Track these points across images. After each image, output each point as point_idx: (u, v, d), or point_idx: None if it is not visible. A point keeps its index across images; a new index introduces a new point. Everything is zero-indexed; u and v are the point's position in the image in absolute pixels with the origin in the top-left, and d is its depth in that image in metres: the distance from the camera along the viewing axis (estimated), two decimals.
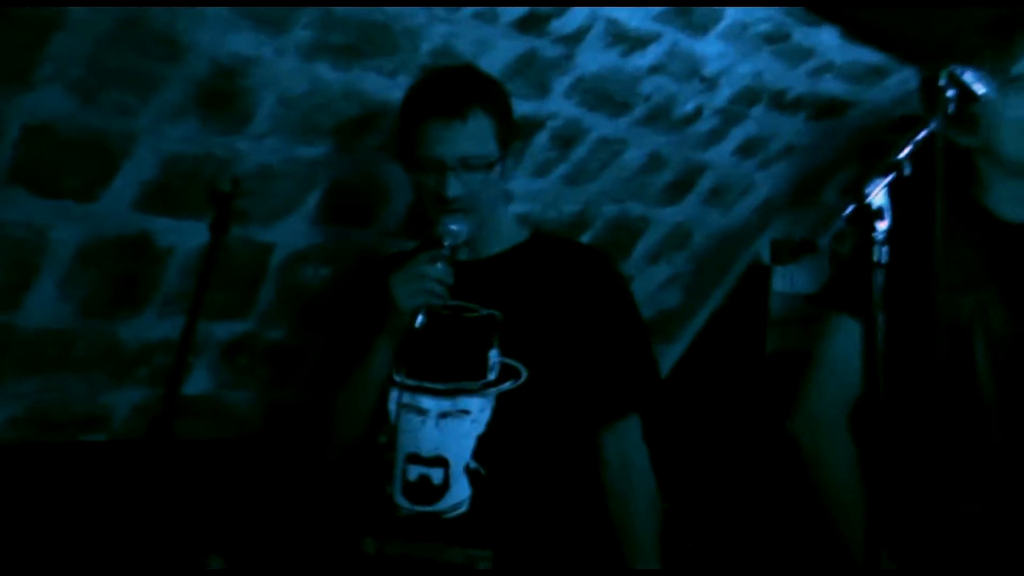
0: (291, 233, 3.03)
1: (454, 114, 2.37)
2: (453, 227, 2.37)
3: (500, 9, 2.85)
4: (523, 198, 3.49)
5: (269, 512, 3.26)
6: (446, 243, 2.37)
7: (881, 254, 1.82)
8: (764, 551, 4.09)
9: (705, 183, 3.96)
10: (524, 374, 2.38)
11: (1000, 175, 2.34)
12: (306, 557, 3.19)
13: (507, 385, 2.38)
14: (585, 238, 3.78)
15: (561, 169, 3.52)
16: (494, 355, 2.40)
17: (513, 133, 2.50)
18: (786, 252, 4.49)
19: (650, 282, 4.19)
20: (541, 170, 3.47)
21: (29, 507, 2.81)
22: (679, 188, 3.91)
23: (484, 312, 2.43)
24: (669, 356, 4.55)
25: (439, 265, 2.35)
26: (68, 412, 2.89)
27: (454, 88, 2.44)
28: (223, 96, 2.63)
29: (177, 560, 3.01)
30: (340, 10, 2.63)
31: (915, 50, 3.66)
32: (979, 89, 1.99)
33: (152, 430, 2.40)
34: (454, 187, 2.37)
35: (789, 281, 4.56)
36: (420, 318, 2.32)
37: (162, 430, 2.44)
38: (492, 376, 2.39)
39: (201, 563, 3.07)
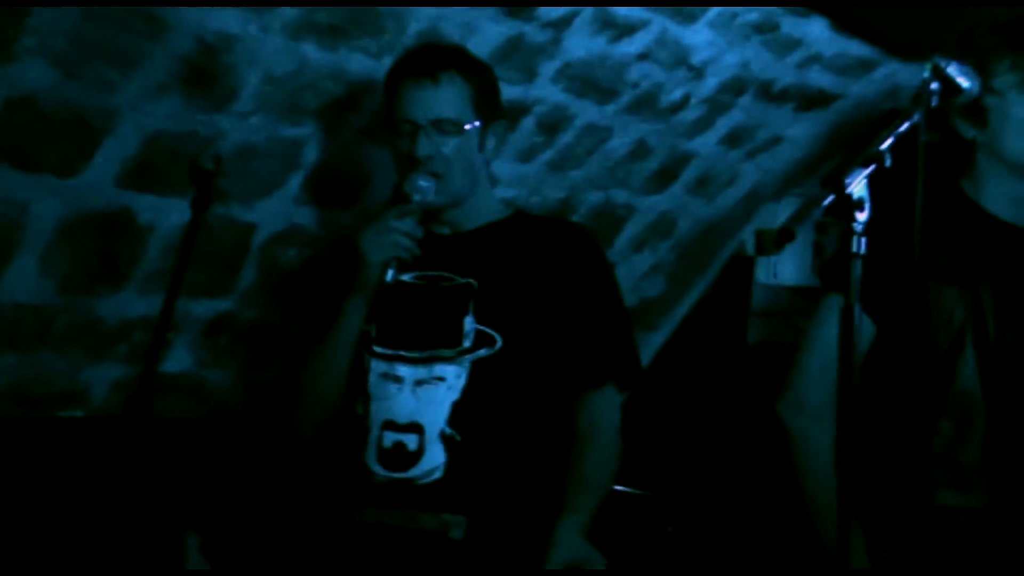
0: (273, 213, 3.02)
1: (427, 75, 2.40)
2: (422, 183, 2.38)
3: None
4: (508, 183, 3.49)
5: (246, 490, 3.25)
6: (415, 199, 2.37)
7: (860, 245, 1.82)
8: (744, 537, 4.11)
9: (690, 172, 3.96)
10: (499, 341, 2.39)
11: (998, 173, 2.33)
12: (284, 528, 3.19)
13: (482, 352, 2.39)
14: None
15: (546, 155, 3.51)
16: (469, 322, 2.41)
17: (493, 106, 2.51)
18: (769, 243, 4.49)
19: (633, 270, 4.19)
20: (526, 155, 3.46)
21: (6, 481, 2.79)
22: (664, 177, 3.90)
23: (460, 281, 2.43)
24: (651, 345, 4.56)
25: (407, 220, 2.36)
26: (46, 388, 2.87)
27: (431, 53, 2.48)
28: (207, 74, 2.61)
29: (153, 536, 3.00)
30: None
31: (903, 44, 3.67)
32: (963, 83, 2.00)
33: (130, 407, 2.39)
34: (424, 146, 2.38)
35: (772, 273, 4.58)
36: (390, 272, 2.34)
37: (140, 407, 2.42)
38: (467, 343, 2.39)
39: (178, 539, 3.07)
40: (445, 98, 2.40)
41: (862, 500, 1.97)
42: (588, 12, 3.06)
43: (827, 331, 2.34)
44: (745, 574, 4.06)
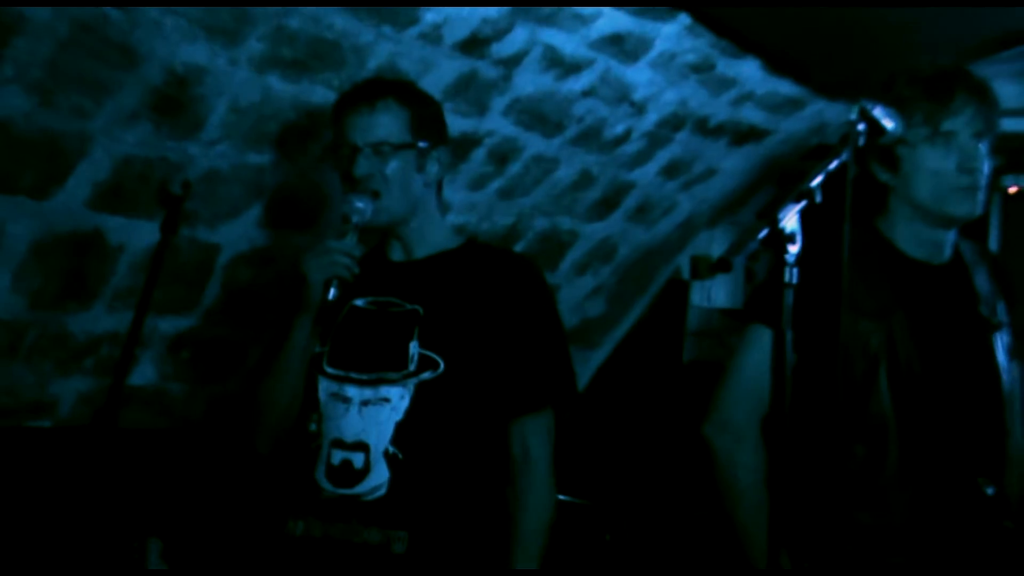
0: (237, 235, 3.02)
1: (365, 102, 2.41)
2: (359, 204, 2.37)
3: (444, 31, 2.87)
4: (460, 210, 3.51)
5: (205, 499, 3.24)
6: (353, 219, 2.36)
7: (792, 275, 1.85)
8: (677, 544, 4.12)
9: (631, 201, 3.99)
10: (442, 365, 2.37)
11: (907, 215, 2.38)
12: (237, 539, 3.18)
13: (425, 375, 2.37)
14: (517, 249, 3.79)
15: (496, 183, 3.53)
16: (414, 347, 2.39)
17: (434, 132, 2.49)
18: (704, 268, 4.54)
19: (576, 292, 4.21)
20: (477, 184, 3.48)
21: None
22: (606, 205, 3.93)
23: (408, 307, 2.43)
24: (592, 362, 4.58)
25: (345, 240, 2.35)
26: (15, 399, 2.85)
27: (372, 84, 2.49)
28: (176, 103, 2.62)
29: (117, 541, 2.99)
30: (292, 24, 2.63)
31: (829, 84, 3.73)
32: (888, 125, 2.02)
33: (97, 418, 2.38)
34: (361, 167, 2.38)
35: (706, 296, 4.61)
36: (332, 291, 2.32)
37: (106, 419, 2.42)
38: (412, 367, 2.38)
39: (140, 544, 3.05)
40: (380, 122, 2.39)
41: (787, 516, 2.00)
42: (538, 51, 3.09)
43: (750, 358, 2.38)
44: None
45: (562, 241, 3.96)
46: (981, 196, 2.32)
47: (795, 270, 1.85)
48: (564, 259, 4.03)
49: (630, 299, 4.53)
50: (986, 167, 2.31)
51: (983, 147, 2.31)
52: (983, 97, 2.31)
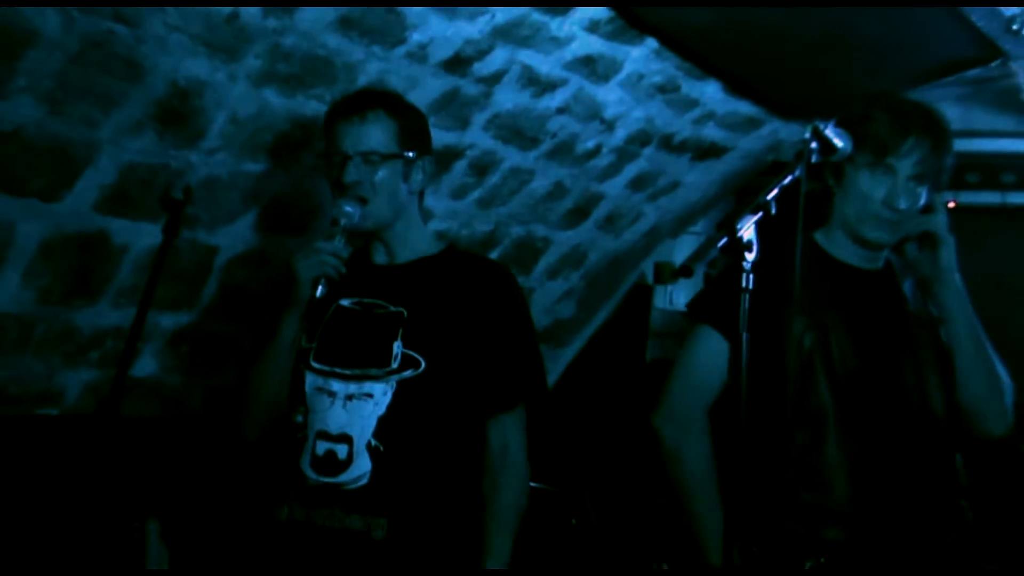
0: (234, 238, 3.00)
1: (355, 113, 2.40)
2: (347, 208, 2.37)
3: (430, 50, 2.87)
4: (442, 217, 3.50)
5: (201, 484, 3.22)
6: (341, 222, 2.36)
7: (748, 281, 1.86)
8: (639, 528, 4.13)
9: (600, 211, 3.99)
10: (423, 365, 2.37)
11: (840, 224, 2.42)
12: (229, 522, 3.16)
13: (407, 373, 2.37)
14: (494, 254, 3.79)
15: (476, 193, 3.53)
16: (397, 346, 2.39)
17: (419, 143, 2.48)
18: (667, 274, 4.55)
19: (549, 295, 4.21)
20: (458, 193, 3.48)
21: None
22: (578, 214, 3.93)
23: (392, 309, 2.42)
24: (562, 359, 4.58)
25: (334, 241, 2.35)
26: (25, 388, 2.83)
27: (362, 96, 2.48)
28: (179, 114, 2.61)
29: (118, 523, 2.97)
30: (288, 43, 2.62)
31: (784, 106, 3.75)
32: (839, 143, 2.03)
33: (101, 408, 2.36)
34: (350, 174, 2.38)
35: (668, 299, 4.62)
36: (320, 288, 2.33)
37: (110, 408, 2.40)
38: (395, 365, 2.37)
39: (140, 526, 3.03)
40: (370, 133, 2.39)
41: (735, 501, 2.00)
42: (516, 70, 3.09)
43: (695, 356, 2.40)
44: (638, 559, 4.09)
45: (536, 247, 3.96)
46: (899, 229, 2.34)
47: (752, 276, 1.86)
48: (538, 264, 4.04)
49: (598, 302, 4.54)
50: (916, 205, 2.32)
51: (919, 189, 2.32)
52: (935, 144, 2.31)
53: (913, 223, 2.33)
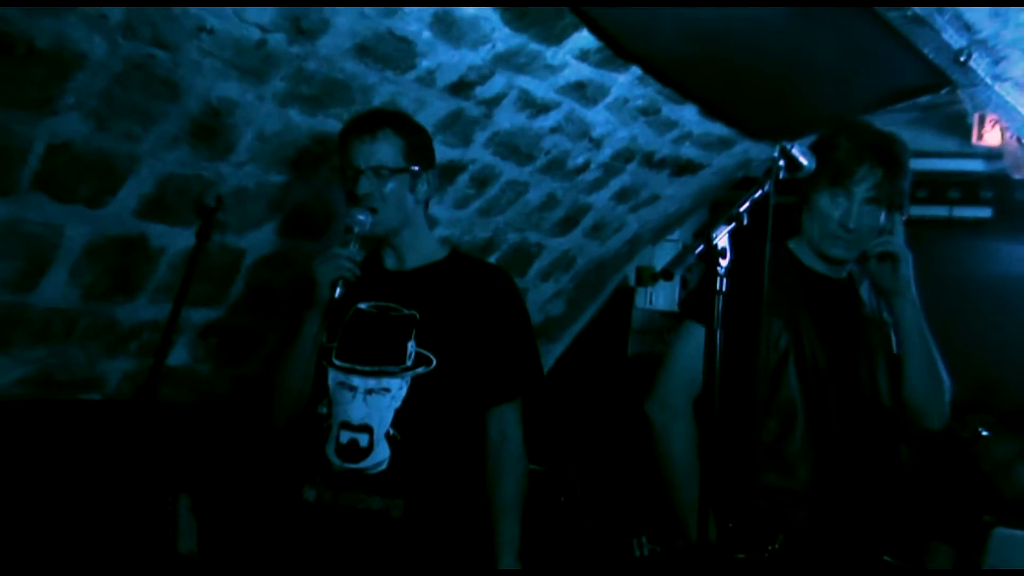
0: (260, 241, 3.00)
1: (367, 131, 2.40)
2: (360, 217, 2.36)
3: (437, 75, 2.87)
4: (446, 224, 3.50)
5: (228, 461, 3.22)
6: (355, 230, 2.36)
7: (722, 285, 1.86)
8: (620, 504, 4.13)
9: (588, 220, 3.99)
10: (434, 362, 2.38)
11: (807, 234, 2.42)
12: (255, 499, 3.16)
13: (420, 370, 2.37)
14: (493, 258, 3.78)
15: (477, 203, 3.53)
16: (411, 346, 2.39)
17: (424, 158, 2.48)
18: (647, 277, 4.55)
19: (541, 295, 4.21)
20: (461, 203, 3.48)
21: (35, 450, 2.75)
22: (568, 223, 3.93)
23: (406, 312, 2.43)
24: (553, 353, 4.58)
25: (349, 247, 2.35)
26: (69, 375, 2.83)
27: (372, 115, 2.48)
28: (211, 130, 2.61)
29: (153, 496, 2.97)
30: (310, 67, 2.62)
31: (754, 128, 3.75)
32: (804, 161, 2.03)
33: (139, 393, 2.37)
34: (363, 186, 2.37)
35: (648, 300, 4.62)
36: (338, 290, 2.32)
37: (147, 393, 2.41)
38: (409, 362, 2.38)
39: (172, 499, 3.03)
40: (380, 149, 2.39)
41: (714, 480, 2.01)
42: (514, 94, 3.09)
43: (684, 349, 2.40)
44: (620, 532, 4.09)
45: (530, 252, 3.96)
46: (855, 246, 2.34)
47: (725, 280, 1.87)
48: (532, 267, 4.03)
49: (585, 302, 4.54)
50: (875, 225, 2.32)
51: (874, 212, 2.32)
52: (889, 171, 2.31)
53: (874, 242, 2.33)
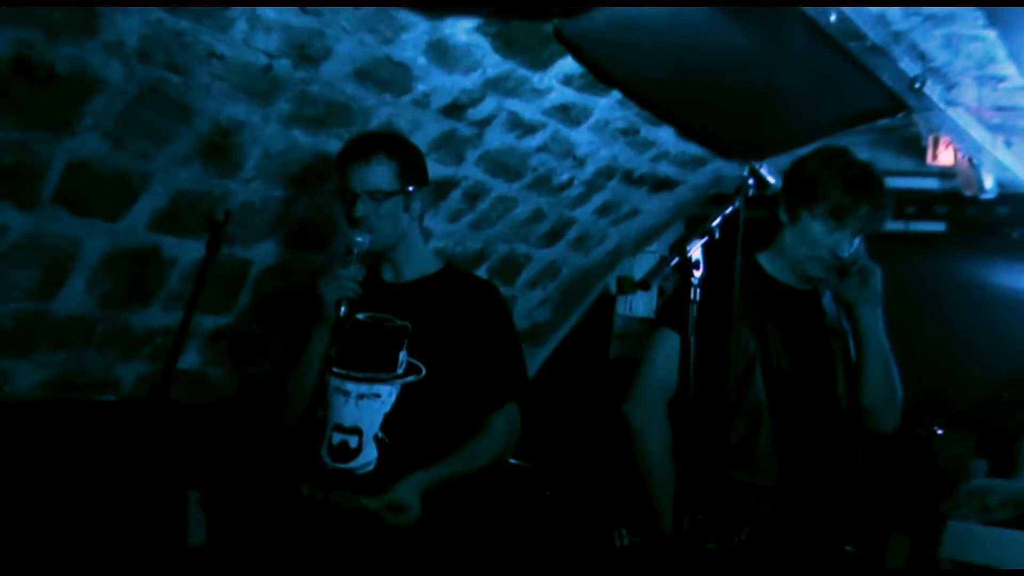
0: (265, 253, 3.00)
1: (361, 158, 2.39)
2: (359, 239, 2.37)
3: (432, 98, 2.87)
4: (440, 237, 3.50)
5: (235, 459, 3.21)
6: (355, 250, 2.37)
7: (695, 294, 1.87)
8: (601, 499, 4.13)
9: (572, 233, 3.99)
10: (424, 371, 2.38)
11: (783, 252, 2.43)
12: (257, 494, 3.15)
13: (410, 378, 2.38)
14: (483, 268, 3.79)
15: (469, 217, 3.53)
16: (403, 355, 2.39)
17: (417, 177, 2.47)
18: (627, 286, 4.56)
19: (528, 302, 4.21)
20: (454, 217, 3.48)
21: (54, 449, 2.74)
22: (553, 235, 3.93)
23: (399, 323, 2.42)
24: (540, 356, 4.58)
25: (350, 268, 2.36)
26: (87, 378, 2.82)
27: (366, 140, 2.47)
28: (221, 149, 2.60)
29: (164, 492, 2.96)
30: (313, 90, 2.62)
31: (726, 148, 3.77)
32: (771, 180, 2.05)
33: (152, 395, 2.36)
34: (360, 209, 2.38)
35: (628, 307, 4.63)
36: (343, 308, 2.34)
37: (159, 395, 2.40)
38: (400, 371, 2.38)
39: (182, 495, 3.02)
40: (375, 173, 2.38)
41: (686, 477, 2.01)
42: (503, 115, 3.09)
43: (660, 355, 2.41)
44: (601, 524, 4.08)
45: (519, 263, 3.96)
46: (832, 268, 2.36)
47: (698, 290, 1.88)
48: (520, 276, 4.03)
49: (570, 308, 4.54)
50: (852, 250, 2.35)
51: (857, 241, 2.36)
52: (879, 207, 2.34)
53: (849, 258, 2.35)
